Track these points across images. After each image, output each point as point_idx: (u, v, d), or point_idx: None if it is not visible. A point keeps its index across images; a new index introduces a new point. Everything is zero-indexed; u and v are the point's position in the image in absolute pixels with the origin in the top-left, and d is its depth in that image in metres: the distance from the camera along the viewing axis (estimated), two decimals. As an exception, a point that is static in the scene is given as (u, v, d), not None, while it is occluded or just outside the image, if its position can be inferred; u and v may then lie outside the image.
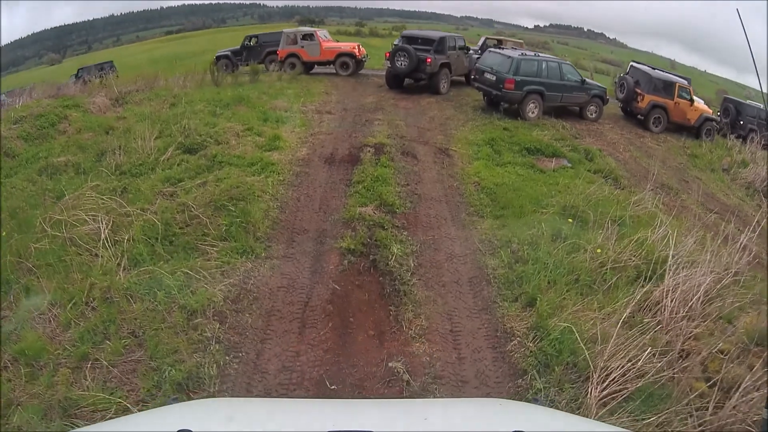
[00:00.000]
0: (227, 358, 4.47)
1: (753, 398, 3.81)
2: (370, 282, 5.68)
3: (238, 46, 19.65)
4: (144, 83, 14.51)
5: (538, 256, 5.86)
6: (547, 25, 37.46)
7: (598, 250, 5.85)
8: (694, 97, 15.64)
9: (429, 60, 15.11)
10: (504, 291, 5.52)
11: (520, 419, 1.75)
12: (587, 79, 14.90)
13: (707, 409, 3.83)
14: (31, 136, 10.15)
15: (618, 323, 4.41)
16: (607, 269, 5.57)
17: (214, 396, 3.99)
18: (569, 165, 10.00)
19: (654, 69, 16.47)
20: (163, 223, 6.14)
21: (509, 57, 13.59)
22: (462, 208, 7.70)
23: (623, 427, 3.15)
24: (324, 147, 9.96)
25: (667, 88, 15.30)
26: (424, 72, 15.32)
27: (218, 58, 18.05)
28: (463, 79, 17.30)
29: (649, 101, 15.11)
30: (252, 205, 6.92)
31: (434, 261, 6.19)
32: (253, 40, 19.67)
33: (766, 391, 3.85)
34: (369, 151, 9.47)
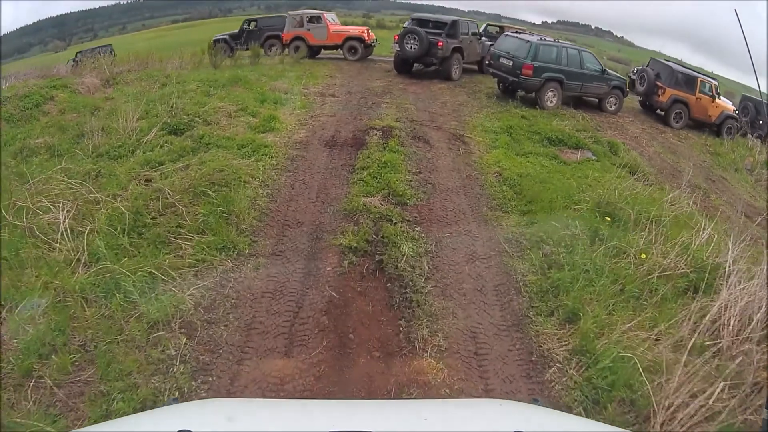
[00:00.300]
0: (193, 383, 3.58)
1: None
2: (375, 288, 4.74)
3: (237, 30, 18.73)
4: (137, 64, 13.76)
5: (576, 261, 4.99)
6: (555, 21, 36.66)
7: (643, 255, 5.08)
8: (716, 94, 15.05)
9: (440, 44, 14.07)
10: (537, 303, 4.67)
11: (520, 419, 1.74)
12: (608, 70, 13.91)
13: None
14: (13, 118, 9.37)
15: (676, 347, 3.83)
16: (654, 278, 4.76)
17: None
18: (594, 158, 9.31)
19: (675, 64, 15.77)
20: (133, 212, 5.29)
21: (527, 41, 12.59)
22: (483, 201, 6.74)
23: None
24: (325, 129, 9.01)
25: (689, 82, 14.62)
26: (435, 56, 14.29)
27: (216, 41, 17.06)
28: (475, 67, 16.32)
29: (670, 95, 14.42)
30: (237, 192, 6.01)
31: (453, 263, 5.23)
32: (252, 24, 18.71)
33: (766, 391, 3.60)
34: (376, 134, 8.57)
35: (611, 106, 13.73)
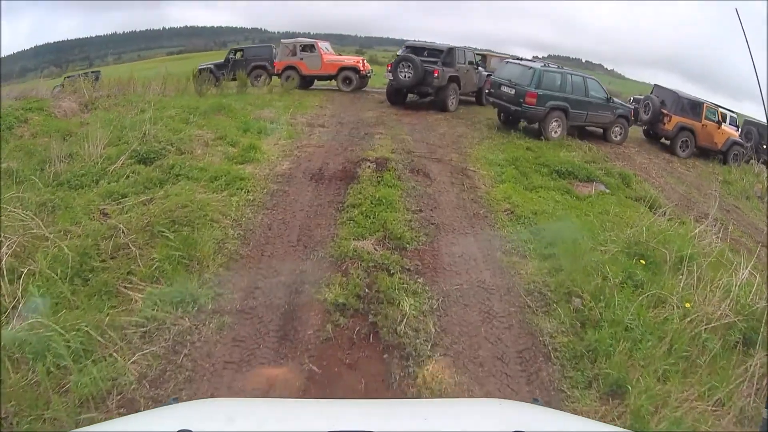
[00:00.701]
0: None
1: None
2: (368, 360, 3.75)
3: (222, 60, 18.11)
4: (118, 89, 13.03)
5: (614, 316, 4.23)
6: (546, 56, 36.82)
7: (687, 304, 4.41)
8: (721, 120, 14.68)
9: (437, 72, 13.18)
10: (571, 371, 3.85)
11: (520, 419, 1.71)
12: (613, 98, 13.19)
13: None
14: (-17, 141, 8.69)
15: (740, 419, 3.44)
16: (702, 330, 4.13)
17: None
18: (608, 191, 8.63)
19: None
20: (80, 254, 4.49)
21: (530, 68, 11.83)
22: (496, 244, 5.74)
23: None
24: (311, 161, 8.09)
25: (695, 108, 14.11)
26: (431, 86, 13.36)
27: (200, 70, 16.25)
28: (473, 98, 15.68)
29: (676, 123, 13.85)
30: (201, 233, 5.05)
31: (465, 324, 4.25)
32: (238, 54, 18.06)
33: (766, 391, 3.59)
34: (369, 166, 7.69)
35: (616, 136, 13.00)
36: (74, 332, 3.55)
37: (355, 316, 4.13)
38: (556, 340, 4.13)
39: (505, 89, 11.88)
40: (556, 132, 11.54)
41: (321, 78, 16.84)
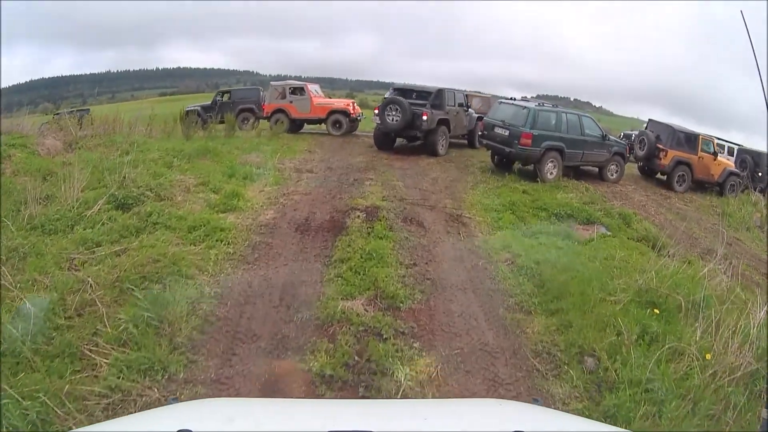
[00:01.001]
0: None
1: None
2: None
3: (209, 102, 17.92)
4: (104, 129, 12.51)
5: (632, 375, 3.91)
6: (534, 96, 37.53)
7: (708, 356, 4.17)
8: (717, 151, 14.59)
9: (425, 115, 12.70)
10: None
11: (520, 419, 1.72)
12: (608, 135, 12.98)
13: None
14: (-41, 176, 8.27)
15: None
16: (725, 383, 3.87)
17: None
18: (609, 233, 8.28)
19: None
20: (44, 309, 4.14)
21: (525, 108, 11.56)
22: (497, 300, 5.25)
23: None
24: (298, 210, 7.65)
25: (690, 141, 13.91)
26: (420, 129, 12.90)
27: (188, 112, 16.02)
28: (464, 141, 15.40)
29: (672, 157, 13.62)
30: (174, 291, 4.59)
31: (468, 395, 3.78)
32: (225, 96, 17.89)
33: (765, 391, 3.64)
34: (358, 216, 7.28)
35: (612, 175, 12.76)
36: (31, 401, 3.23)
37: (343, 389, 3.67)
38: (570, 407, 3.74)
39: (498, 130, 11.60)
40: (551, 173, 11.24)
41: (310, 122, 16.58)
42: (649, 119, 15.19)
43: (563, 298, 5.14)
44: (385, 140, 13.68)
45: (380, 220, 7.01)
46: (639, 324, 4.52)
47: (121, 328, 4.05)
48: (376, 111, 13.44)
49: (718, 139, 16.31)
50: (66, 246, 5.49)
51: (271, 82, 17.67)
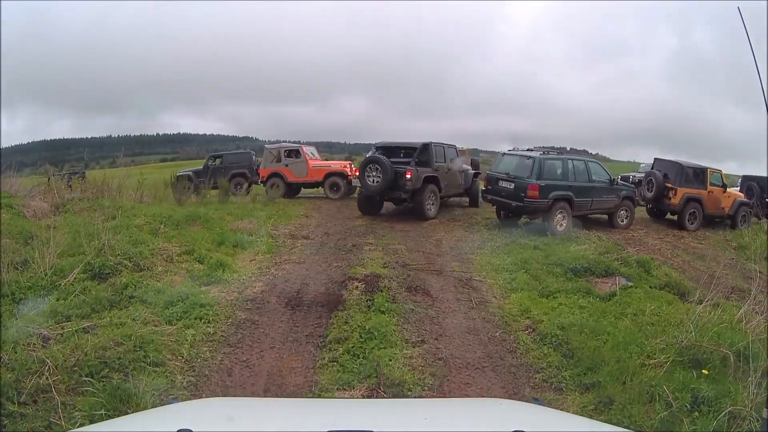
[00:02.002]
0: None
1: None
2: None
3: (201, 166, 17.59)
4: (93, 192, 11.99)
5: None
6: (531, 148, 38.18)
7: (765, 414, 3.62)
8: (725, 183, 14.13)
9: (409, 173, 11.40)
10: None
11: (520, 419, 1.70)
12: (616, 179, 12.46)
13: None
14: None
15: None
16: None
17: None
18: (630, 283, 7.60)
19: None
20: None
21: (530, 158, 11.00)
22: (522, 377, 4.48)
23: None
24: (289, 281, 6.96)
25: (699, 176, 13.41)
26: (403, 190, 11.54)
27: (179, 177, 15.56)
28: (465, 201, 14.47)
29: (682, 195, 13.04)
30: (139, 381, 3.98)
31: None
32: (218, 160, 17.49)
33: (766, 390, 3.62)
34: (357, 286, 6.58)
35: (622, 220, 12.21)
36: None
37: None
38: None
39: (503, 184, 11.06)
40: (561, 225, 10.61)
41: (307, 185, 16.14)
42: (655, 158, 14.64)
43: (598, 369, 4.48)
44: (369, 204, 12.57)
45: (381, 291, 6.35)
46: (688, 389, 3.99)
47: (77, 423, 3.56)
48: (356, 173, 12.56)
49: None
50: (34, 318, 5.04)
51: (266, 145, 17.37)
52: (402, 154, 12.34)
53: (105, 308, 5.47)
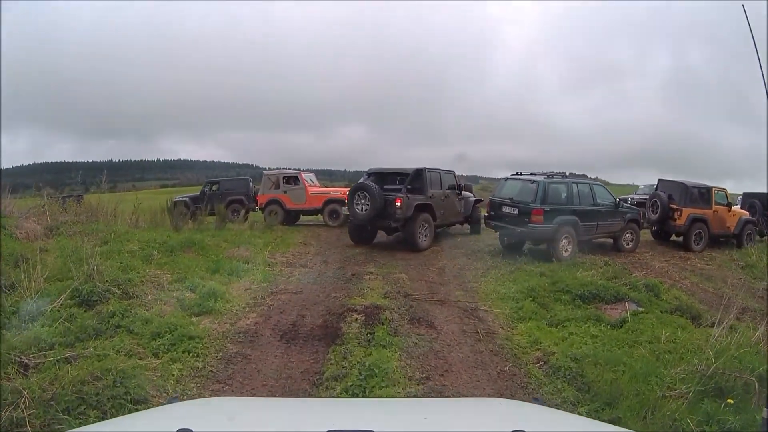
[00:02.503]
0: None
1: None
2: None
3: (198, 193, 17.34)
4: (87, 216, 11.88)
5: None
6: (535, 172, 38.16)
7: None
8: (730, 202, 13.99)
9: (399, 201, 10.73)
10: None
11: (520, 419, 1.70)
12: (621, 202, 12.22)
13: None
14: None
15: None
16: None
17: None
18: (641, 309, 7.42)
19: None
20: None
21: (533, 182, 10.72)
22: (536, 415, 4.13)
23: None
24: (285, 312, 6.65)
25: (704, 195, 13.24)
26: (394, 218, 10.87)
27: (175, 203, 15.25)
28: (467, 229, 13.90)
29: (688, 215, 12.82)
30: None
31: None
32: (214, 187, 17.25)
33: (766, 390, 3.63)
34: (356, 318, 6.27)
35: (628, 243, 11.90)
36: None
37: None
38: None
39: (506, 209, 10.74)
40: (567, 250, 10.28)
41: (306, 212, 15.83)
42: (659, 179, 14.39)
43: (616, 403, 4.22)
44: (360, 233, 11.93)
45: (382, 323, 6.02)
46: (714, 421, 3.81)
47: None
48: (345, 200, 11.97)
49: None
50: (16, 345, 4.81)
51: (264, 172, 17.11)
52: (397, 181, 11.89)
53: (90, 337, 5.24)
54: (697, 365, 4.57)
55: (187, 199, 16.65)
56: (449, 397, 3.30)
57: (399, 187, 11.52)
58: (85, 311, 5.89)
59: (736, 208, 14.28)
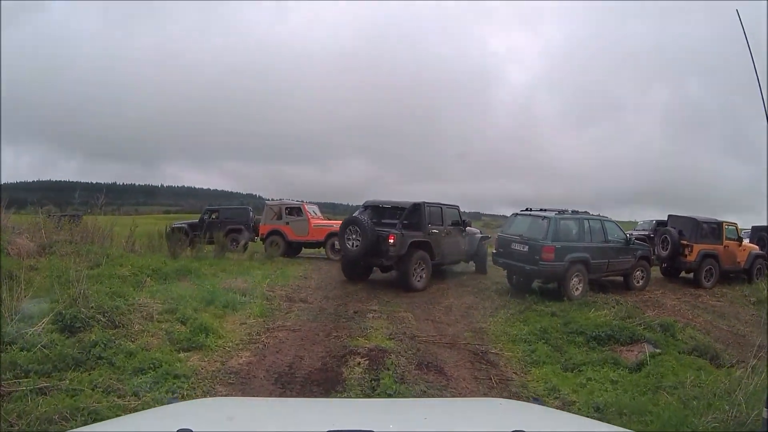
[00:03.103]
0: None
1: None
2: None
3: (197, 220, 17.06)
4: (82, 237, 11.60)
5: None
6: (545, 208, 38.22)
7: None
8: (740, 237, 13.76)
9: (392, 238, 10.09)
10: None
11: (520, 419, 1.69)
12: (632, 238, 11.83)
13: None
14: None
15: None
16: None
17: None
18: (658, 350, 7.16)
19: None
20: None
21: (544, 218, 10.34)
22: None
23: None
24: (281, 352, 6.24)
25: (714, 231, 13.00)
26: (386, 256, 10.23)
27: (173, 229, 15.07)
28: (471, 266, 13.19)
29: (698, 251, 12.53)
30: None
31: None
32: (214, 215, 16.93)
33: (766, 391, 3.66)
34: (359, 362, 5.93)
35: (638, 281, 11.47)
36: None
37: None
38: None
39: (516, 247, 10.31)
40: (578, 289, 9.87)
41: (308, 245, 15.44)
42: (669, 215, 14.12)
43: None
44: (352, 269, 11.28)
45: (388, 369, 5.60)
46: None
47: None
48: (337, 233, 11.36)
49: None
50: None
51: (266, 202, 16.86)
52: (396, 215, 11.11)
53: (68, 367, 4.96)
54: (728, 411, 4.32)
55: (185, 225, 16.39)
56: (449, 397, 3.20)
57: (390, 222, 10.94)
58: (66, 338, 5.62)
59: (746, 242, 14.04)
